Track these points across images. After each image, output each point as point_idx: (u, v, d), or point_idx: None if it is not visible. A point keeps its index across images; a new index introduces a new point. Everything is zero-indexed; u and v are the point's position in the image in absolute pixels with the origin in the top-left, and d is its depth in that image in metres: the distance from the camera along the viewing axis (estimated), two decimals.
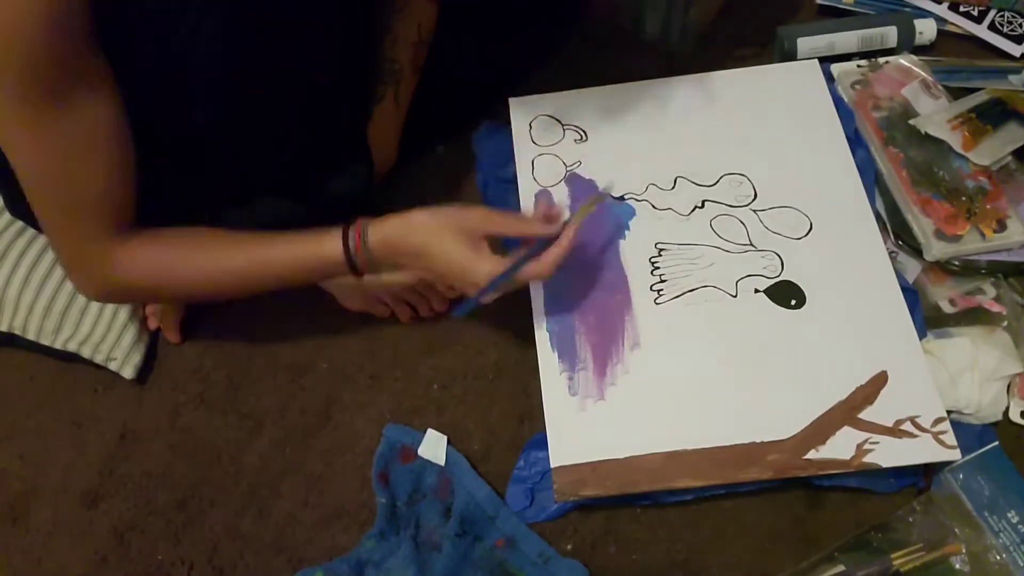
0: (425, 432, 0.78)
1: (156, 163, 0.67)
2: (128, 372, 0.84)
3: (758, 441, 0.71)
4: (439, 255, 0.67)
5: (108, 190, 0.64)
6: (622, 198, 0.85)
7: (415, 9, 0.82)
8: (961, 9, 0.99)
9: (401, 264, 0.70)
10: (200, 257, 0.70)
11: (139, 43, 0.60)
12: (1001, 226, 0.80)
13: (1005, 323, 0.78)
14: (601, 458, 0.71)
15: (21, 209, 0.79)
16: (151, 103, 0.63)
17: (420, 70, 0.84)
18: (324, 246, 0.69)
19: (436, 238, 0.67)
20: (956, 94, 0.89)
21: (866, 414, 0.71)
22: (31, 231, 0.86)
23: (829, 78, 0.91)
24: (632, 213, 0.84)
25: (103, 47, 0.59)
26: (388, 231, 0.68)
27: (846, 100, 0.90)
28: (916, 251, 0.81)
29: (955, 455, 0.69)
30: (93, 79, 0.59)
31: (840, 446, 0.70)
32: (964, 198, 0.81)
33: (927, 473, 0.72)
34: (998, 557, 0.68)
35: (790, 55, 0.96)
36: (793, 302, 0.77)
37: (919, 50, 0.96)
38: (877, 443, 0.69)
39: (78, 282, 0.71)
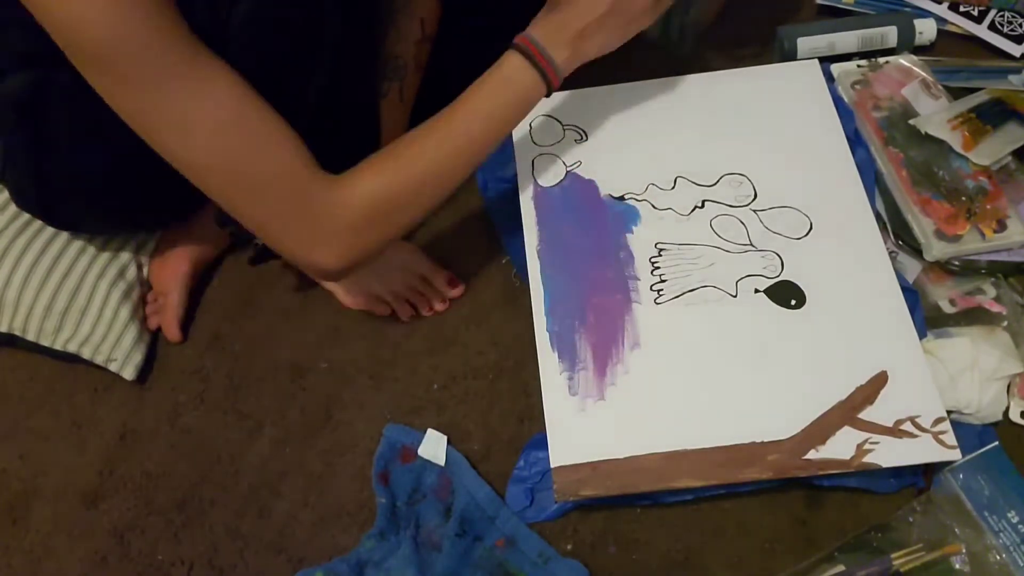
0: (425, 432, 0.78)
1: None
2: (128, 373, 0.84)
3: (758, 441, 0.71)
4: None
5: (283, 143, 0.62)
6: (622, 198, 0.85)
7: (419, 6, 0.82)
8: (961, 9, 0.99)
9: (567, 29, 0.69)
10: (413, 151, 0.68)
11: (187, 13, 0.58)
12: (1001, 226, 0.80)
13: (1005, 323, 0.78)
14: (601, 458, 0.71)
15: (29, 201, 0.79)
16: None
17: (423, 67, 0.84)
18: (502, 69, 0.69)
19: None
20: (956, 94, 0.89)
21: (866, 414, 0.71)
22: (31, 230, 0.85)
23: (829, 78, 0.91)
24: (632, 213, 0.84)
25: None
26: (540, 16, 0.70)
27: (846, 100, 0.90)
28: (916, 251, 0.81)
29: (955, 455, 0.69)
30: (203, 49, 0.58)
31: (840, 446, 0.70)
32: (964, 198, 0.81)
33: (927, 473, 0.72)
34: (998, 557, 0.68)
35: (790, 55, 0.96)
36: (793, 302, 0.77)
37: (919, 50, 0.96)
38: (877, 443, 0.69)
39: (323, 255, 0.66)
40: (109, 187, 0.75)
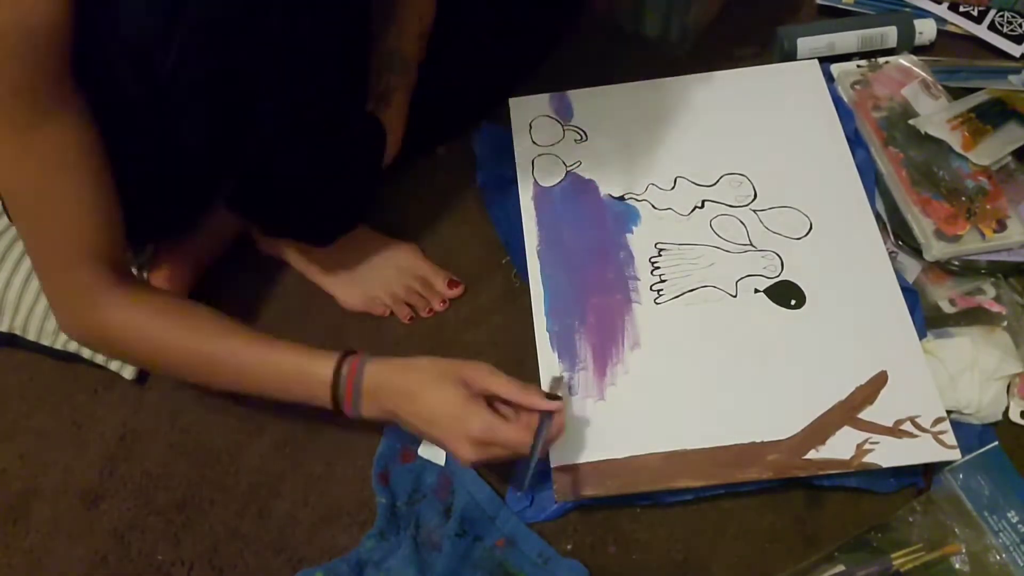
0: None
1: (151, 177, 0.68)
2: (128, 372, 0.84)
3: (758, 441, 0.71)
4: (431, 398, 0.64)
5: (91, 222, 0.63)
6: (622, 198, 0.85)
7: (417, 2, 0.82)
8: (961, 9, 0.99)
9: (387, 408, 0.66)
10: (190, 338, 0.67)
11: (118, 78, 0.60)
12: (1001, 226, 0.80)
13: (1005, 323, 0.78)
14: (601, 458, 0.71)
15: None
16: (136, 130, 0.63)
17: (421, 63, 0.84)
18: (315, 366, 0.66)
19: (434, 381, 0.64)
20: (956, 94, 0.89)
21: (866, 414, 0.71)
22: None
23: (829, 78, 0.91)
24: (632, 213, 0.84)
25: (81, 80, 0.59)
26: (385, 366, 0.66)
27: (846, 100, 0.90)
28: (916, 251, 0.81)
29: (955, 455, 0.69)
30: (71, 108, 0.59)
31: (840, 446, 0.70)
32: (964, 198, 0.81)
33: (927, 473, 0.72)
34: (998, 557, 0.68)
35: (790, 55, 0.96)
36: (793, 302, 0.77)
37: (919, 50, 0.96)
38: (877, 443, 0.69)
39: (61, 318, 0.68)
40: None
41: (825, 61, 0.93)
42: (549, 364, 0.76)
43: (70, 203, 0.62)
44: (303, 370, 0.67)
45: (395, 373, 0.66)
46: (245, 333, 0.68)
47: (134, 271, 0.88)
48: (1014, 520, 0.69)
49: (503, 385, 0.65)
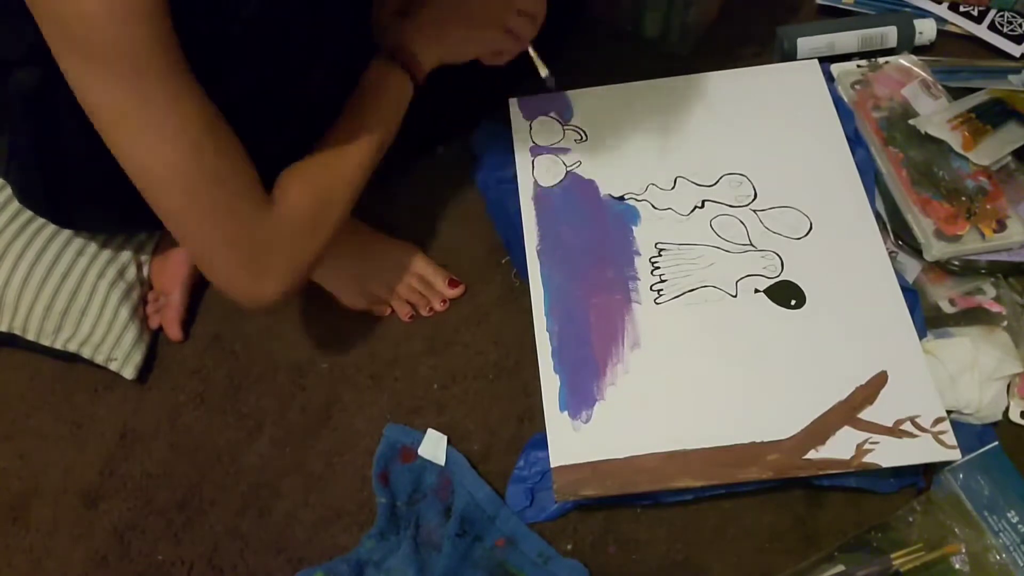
0: (425, 432, 0.78)
1: None
2: (128, 372, 0.84)
3: (758, 441, 0.71)
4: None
5: (235, 167, 0.62)
6: (622, 198, 0.85)
7: None
8: (961, 9, 0.99)
9: (443, 26, 0.74)
10: (323, 159, 0.70)
11: (188, 26, 0.58)
12: (1001, 226, 0.80)
13: (1005, 323, 0.78)
14: (601, 458, 0.71)
15: (34, 198, 0.79)
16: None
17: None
18: (372, 70, 0.73)
19: None
20: (956, 94, 0.89)
21: (866, 414, 0.71)
22: (30, 230, 0.85)
23: (829, 78, 0.91)
24: (632, 213, 0.84)
25: None
26: (415, 15, 0.74)
27: (846, 100, 0.90)
28: (916, 251, 0.81)
29: (955, 455, 0.69)
30: (179, 61, 0.57)
31: (840, 446, 0.70)
32: (964, 198, 0.81)
33: (927, 473, 0.72)
34: (998, 557, 0.68)
35: (790, 55, 0.96)
36: (793, 302, 0.77)
37: (919, 50, 0.96)
38: (877, 443, 0.69)
39: (260, 283, 0.66)
40: (115, 185, 0.75)
41: (825, 61, 0.93)
42: (549, 364, 0.76)
43: (223, 156, 0.61)
44: (371, 84, 0.73)
45: (429, 10, 0.74)
46: (337, 123, 0.72)
47: (134, 267, 0.89)
48: (1014, 520, 0.69)
49: None
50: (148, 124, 0.57)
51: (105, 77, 0.55)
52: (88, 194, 0.77)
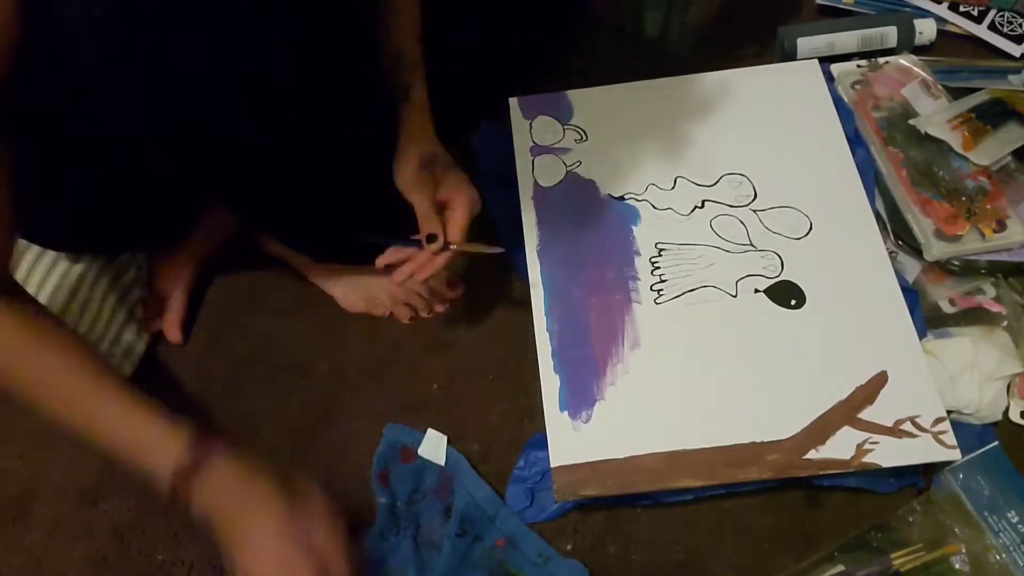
0: (425, 432, 0.78)
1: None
2: (127, 371, 0.84)
3: (758, 441, 0.71)
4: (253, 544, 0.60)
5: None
6: (622, 198, 0.85)
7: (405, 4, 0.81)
8: (961, 9, 0.99)
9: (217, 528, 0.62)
10: (37, 373, 0.61)
11: (26, 78, 0.55)
12: (1001, 226, 0.80)
13: (1005, 323, 0.78)
14: (601, 458, 0.71)
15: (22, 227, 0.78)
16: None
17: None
18: (155, 447, 0.61)
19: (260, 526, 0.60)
20: (956, 94, 0.89)
21: (866, 414, 0.71)
22: None
23: (829, 78, 0.91)
24: (632, 213, 0.84)
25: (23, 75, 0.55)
26: (224, 508, 0.61)
27: (846, 100, 0.90)
28: (916, 251, 0.81)
29: (955, 455, 0.69)
30: None
31: (840, 446, 0.70)
32: (964, 198, 0.81)
33: (927, 473, 0.72)
34: (998, 557, 0.68)
35: (790, 55, 0.96)
36: (793, 302, 0.77)
37: (919, 50, 0.96)
38: (877, 443, 0.69)
39: None
40: (99, 210, 0.74)
41: (825, 61, 0.93)
42: (549, 364, 0.76)
43: None
44: (139, 445, 0.61)
45: (234, 523, 0.62)
46: (100, 381, 0.62)
47: (133, 266, 0.88)
48: (1014, 520, 0.69)
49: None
50: None
51: None
52: (70, 219, 0.76)
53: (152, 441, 0.61)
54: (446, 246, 0.72)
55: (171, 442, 0.61)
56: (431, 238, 0.71)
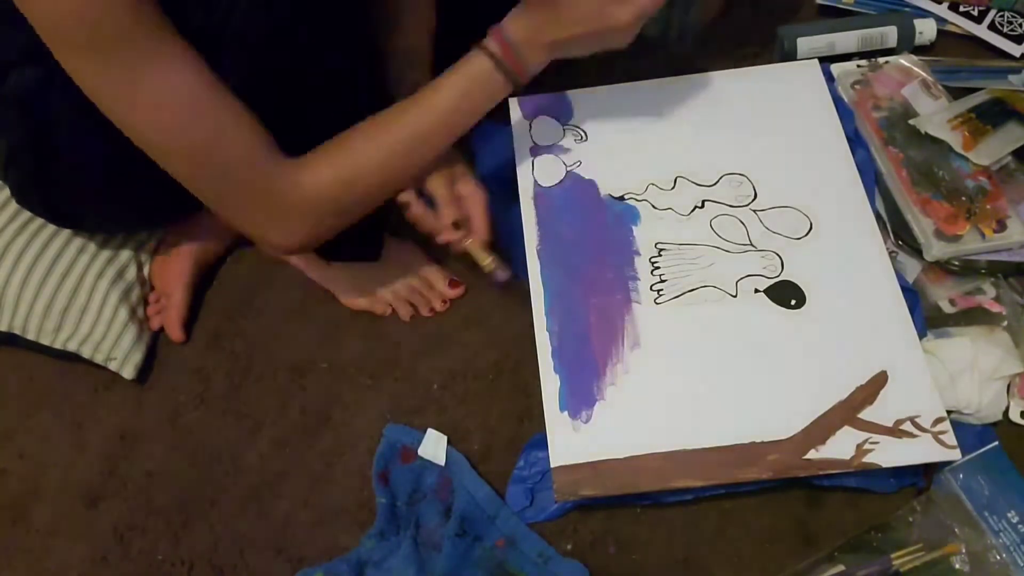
0: (425, 432, 0.78)
1: None
2: (128, 372, 0.84)
3: (758, 441, 0.71)
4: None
5: (241, 128, 0.63)
6: (622, 198, 0.85)
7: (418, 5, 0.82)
8: (961, 9, 0.99)
9: (545, 42, 0.69)
10: (371, 143, 0.69)
11: (182, 18, 0.59)
12: (1001, 226, 0.80)
13: (1005, 323, 0.78)
14: (601, 458, 0.71)
15: (32, 199, 0.79)
16: None
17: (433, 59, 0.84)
18: (473, 67, 0.69)
19: None
20: (956, 94, 0.89)
21: (866, 414, 0.71)
22: (30, 230, 0.85)
23: (829, 78, 0.91)
24: (632, 213, 0.84)
25: None
26: (519, 10, 0.69)
27: (846, 100, 0.90)
28: (916, 251, 0.81)
29: (955, 455, 0.69)
30: (170, 34, 0.58)
31: (840, 446, 0.70)
32: (964, 198, 0.81)
33: (927, 473, 0.72)
34: (998, 557, 0.68)
35: (790, 55, 0.96)
36: (793, 302, 0.77)
37: (919, 50, 0.96)
38: (877, 443, 0.69)
39: (277, 236, 0.69)
40: (112, 184, 0.75)
41: (825, 61, 0.93)
42: (549, 364, 0.76)
43: (228, 119, 0.62)
44: (467, 84, 0.69)
45: (533, 8, 0.68)
46: (403, 102, 0.70)
47: (133, 266, 0.89)
48: (1014, 520, 0.69)
49: None
50: (143, 101, 0.59)
51: (95, 61, 0.57)
52: (84, 194, 0.77)
53: (463, 63, 0.70)
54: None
55: (473, 57, 0.70)
56: (456, 224, 0.74)
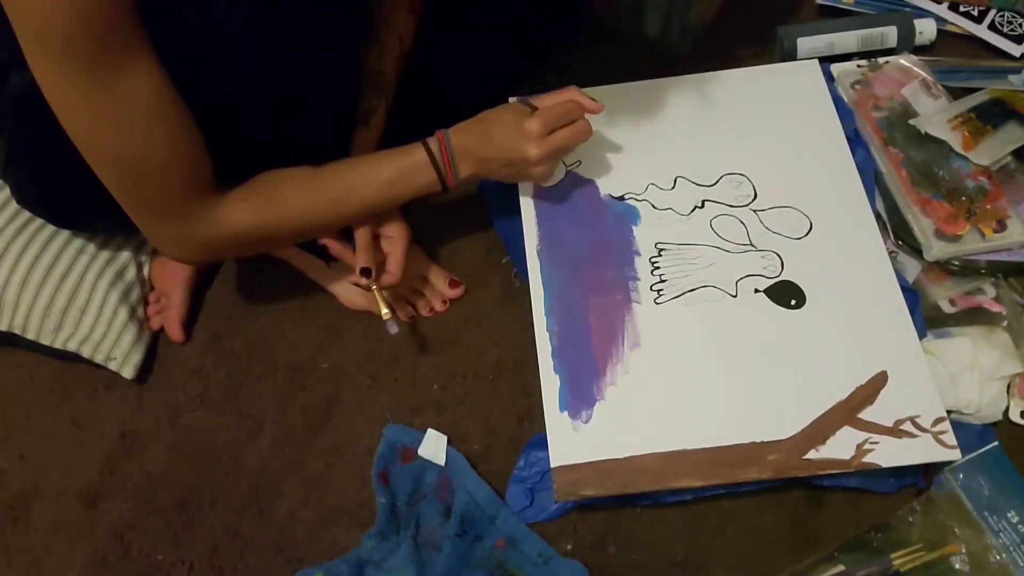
0: (425, 432, 0.78)
1: None
2: (128, 372, 0.84)
3: (758, 441, 0.71)
4: (495, 125, 0.74)
5: (176, 156, 0.64)
6: (622, 198, 0.85)
7: (398, 23, 0.82)
8: (961, 9, 0.99)
9: (476, 158, 0.74)
10: (303, 191, 0.72)
11: (176, 21, 0.60)
12: (1001, 226, 0.80)
13: (1005, 323, 0.78)
14: (601, 458, 0.71)
15: (30, 200, 0.79)
16: (179, 80, 0.63)
17: (399, 83, 0.85)
18: (412, 156, 0.74)
19: (495, 113, 0.75)
20: (956, 94, 0.89)
21: (866, 414, 0.71)
22: (30, 230, 0.85)
23: (829, 78, 0.91)
24: (632, 213, 0.84)
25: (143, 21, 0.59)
26: (463, 126, 0.75)
27: (846, 100, 0.90)
28: (916, 251, 0.81)
29: (955, 455, 0.69)
30: (137, 50, 0.59)
31: (840, 446, 0.70)
32: (964, 198, 0.81)
33: (927, 473, 0.72)
34: (998, 557, 0.68)
35: (790, 55, 0.96)
36: (793, 302, 0.77)
37: (919, 50, 0.96)
38: (877, 443, 0.69)
39: (177, 252, 0.72)
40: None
41: (825, 61, 0.93)
42: (549, 364, 0.76)
43: (164, 145, 0.63)
44: (403, 167, 0.74)
45: (472, 126, 0.75)
46: (338, 166, 0.74)
47: (133, 266, 0.88)
48: (1014, 520, 0.69)
49: (543, 99, 0.77)
50: (99, 110, 0.60)
51: (60, 66, 0.57)
52: (83, 194, 0.77)
53: (404, 153, 0.74)
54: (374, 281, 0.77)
55: (413, 148, 0.74)
56: (365, 272, 0.76)
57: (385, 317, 0.76)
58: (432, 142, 0.74)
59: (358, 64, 0.80)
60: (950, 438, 0.69)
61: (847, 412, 0.71)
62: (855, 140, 0.86)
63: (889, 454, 0.69)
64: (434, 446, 0.77)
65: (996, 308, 0.78)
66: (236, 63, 0.64)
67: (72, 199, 0.78)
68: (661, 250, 0.81)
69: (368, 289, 0.78)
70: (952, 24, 0.99)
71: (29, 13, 0.54)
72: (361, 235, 0.77)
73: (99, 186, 0.76)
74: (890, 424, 0.70)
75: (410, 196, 0.76)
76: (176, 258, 0.76)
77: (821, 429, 0.71)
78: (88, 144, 0.63)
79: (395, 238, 0.78)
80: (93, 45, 0.56)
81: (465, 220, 0.91)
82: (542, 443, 0.74)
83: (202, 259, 0.77)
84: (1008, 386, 0.76)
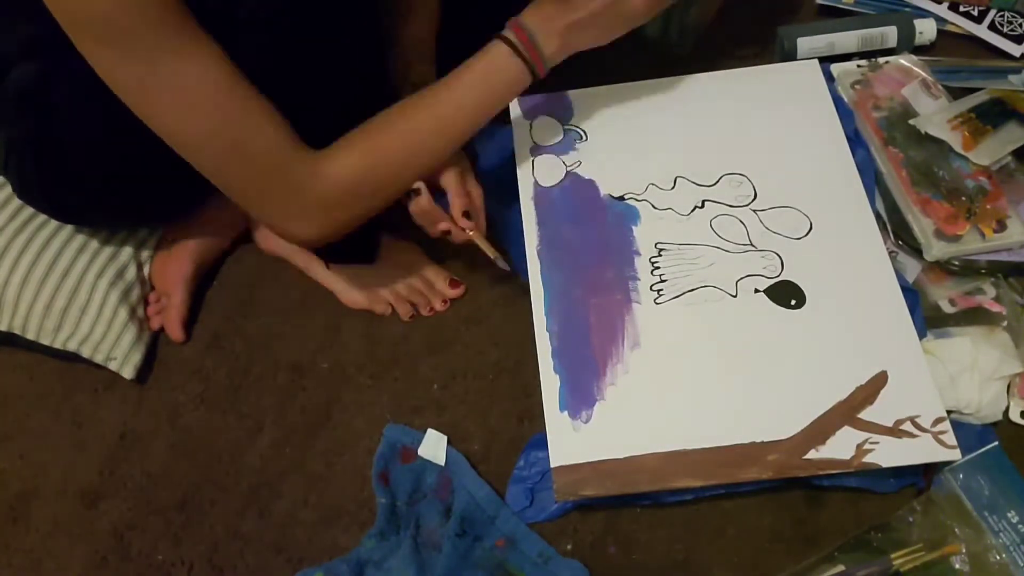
0: (425, 432, 0.78)
1: None
2: (128, 372, 0.84)
3: (758, 441, 0.71)
4: None
5: (269, 121, 0.64)
6: (622, 198, 0.85)
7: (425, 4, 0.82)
8: (961, 9, 0.99)
9: (560, 29, 0.71)
10: (392, 133, 0.70)
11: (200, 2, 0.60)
12: (1001, 226, 0.80)
13: (1005, 323, 0.78)
14: (601, 458, 0.71)
15: (33, 194, 0.79)
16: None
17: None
18: (490, 52, 0.71)
19: None
20: (956, 94, 0.89)
21: (866, 414, 0.71)
22: (30, 229, 0.85)
23: (829, 78, 0.91)
24: (632, 213, 0.84)
25: None
26: (534, 8, 0.71)
27: (846, 100, 0.90)
28: (916, 251, 0.81)
29: (955, 455, 0.69)
30: (192, 29, 0.59)
31: (840, 446, 0.70)
32: (964, 198, 0.81)
33: (927, 473, 0.72)
34: (998, 557, 0.68)
35: (790, 55, 0.96)
36: (793, 302, 0.77)
37: (919, 50, 0.96)
38: (877, 443, 0.69)
39: (300, 227, 0.70)
40: (113, 178, 0.76)
41: (825, 61, 0.93)
42: (549, 364, 0.76)
43: (255, 111, 0.63)
44: (487, 68, 0.71)
45: (543, 4, 0.71)
46: (427, 91, 0.72)
47: (133, 266, 0.89)
48: (1014, 520, 0.69)
49: None
50: (170, 95, 0.59)
51: (121, 56, 0.57)
52: (85, 188, 0.77)
53: (484, 55, 0.72)
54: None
55: (492, 48, 0.72)
56: (468, 214, 0.75)
57: (494, 258, 0.76)
58: (508, 32, 0.71)
59: (378, 20, 0.79)
60: (950, 438, 0.69)
61: (847, 412, 0.71)
62: (855, 140, 0.86)
63: (889, 454, 0.69)
64: (434, 446, 0.77)
65: (996, 308, 0.78)
66: (255, 39, 0.64)
67: (74, 193, 0.78)
68: (661, 250, 0.81)
69: (462, 237, 0.76)
70: (952, 24, 0.99)
71: (95, 18, 0.55)
72: (452, 185, 0.75)
73: (101, 179, 0.76)
74: (890, 424, 0.70)
75: (504, 96, 0.73)
76: (304, 238, 0.72)
77: (821, 429, 0.71)
78: (182, 134, 0.62)
79: (477, 193, 0.77)
80: (155, 34, 0.56)
81: None
82: (542, 443, 0.74)
83: (323, 230, 0.70)
84: (1008, 386, 0.76)
